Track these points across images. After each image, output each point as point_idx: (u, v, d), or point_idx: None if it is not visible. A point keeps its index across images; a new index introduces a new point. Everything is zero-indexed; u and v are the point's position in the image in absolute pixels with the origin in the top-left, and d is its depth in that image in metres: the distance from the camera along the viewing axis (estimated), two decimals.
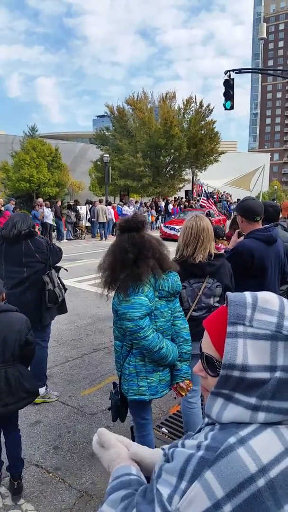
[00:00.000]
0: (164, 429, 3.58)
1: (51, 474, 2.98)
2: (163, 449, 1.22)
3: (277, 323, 0.87)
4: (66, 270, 4.20)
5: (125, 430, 3.52)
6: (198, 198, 31.52)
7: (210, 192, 31.13)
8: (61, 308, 4.15)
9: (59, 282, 3.95)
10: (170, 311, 2.51)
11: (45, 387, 4.05)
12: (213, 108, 29.61)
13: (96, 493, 2.81)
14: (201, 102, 29.57)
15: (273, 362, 0.85)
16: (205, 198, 21.37)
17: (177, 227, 17.63)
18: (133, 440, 2.66)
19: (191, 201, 28.93)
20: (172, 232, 18.21)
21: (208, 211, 20.34)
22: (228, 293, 0.97)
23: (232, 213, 28.36)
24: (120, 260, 2.38)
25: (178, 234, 16.78)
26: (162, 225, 20.11)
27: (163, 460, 0.96)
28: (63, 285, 4.04)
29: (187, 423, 3.03)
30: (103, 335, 6.05)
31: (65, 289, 4.07)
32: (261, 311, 0.90)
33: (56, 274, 3.93)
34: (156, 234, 15.82)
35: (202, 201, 21.39)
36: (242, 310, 0.90)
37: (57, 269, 4.02)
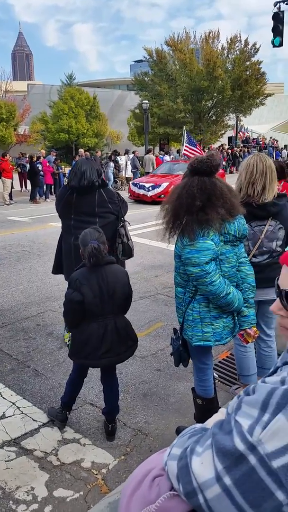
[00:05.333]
0: (214, 374, 3.57)
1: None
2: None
3: None
4: (129, 223, 4.07)
5: (174, 373, 3.55)
6: (241, 145, 30.16)
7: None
8: (123, 263, 3.92)
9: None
10: (235, 256, 2.37)
11: None
12: (259, 46, 27.48)
13: (150, 432, 2.87)
14: (246, 41, 27.48)
15: None
16: (188, 145, 16.70)
17: (147, 185, 14.57)
18: (194, 385, 2.69)
19: (234, 148, 27.72)
20: (142, 191, 14.65)
21: None
22: None
23: (279, 159, 27.02)
24: (186, 206, 2.22)
25: (149, 194, 14.46)
26: (131, 182, 16.21)
27: (244, 395, 0.91)
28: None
29: (241, 367, 2.99)
30: (149, 283, 6.06)
31: None
32: None
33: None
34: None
35: (185, 150, 16.75)
36: None
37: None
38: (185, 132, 16.90)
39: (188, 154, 16.18)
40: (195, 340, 2.39)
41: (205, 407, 2.54)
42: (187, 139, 16.63)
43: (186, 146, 16.54)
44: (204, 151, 17.25)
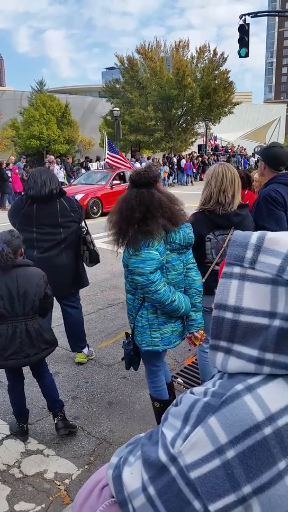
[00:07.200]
0: (179, 379, 3.62)
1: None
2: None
3: (279, 267, 0.79)
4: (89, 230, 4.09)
5: (140, 381, 3.57)
6: (211, 153, 30.68)
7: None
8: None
9: None
10: (182, 264, 2.45)
11: (87, 346, 3.95)
12: (227, 56, 28.11)
13: (114, 440, 2.88)
14: (214, 50, 28.05)
15: (273, 308, 0.79)
16: (111, 153, 15.17)
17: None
18: (149, 390, 2.72)
19: (204, 156, 28.15)
20: None
21: (122, 172, 14.02)
22: (234, 232, 0.91)
23: (247, 168, 27.59)
24: (127, 218, 2.31)
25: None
26: None
27: (173, 406, 0.95)
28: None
29: (203, 372, 3.05)
30: (118, 291, 6.07)
31: None
32: (267, 252, 0.82)
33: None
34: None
35: (108, 158, 15.08)
36: (241, 251, 0.84)
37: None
38: (106, 139, 15.77)
39: (111, 162, 15.12)
40: (145, 346, 2.47)
41: (163, 410, 2.57)
42: (109, 147, 15.35)
43: (108, 154, 15.28)
44: (168, 158, 16.88)
